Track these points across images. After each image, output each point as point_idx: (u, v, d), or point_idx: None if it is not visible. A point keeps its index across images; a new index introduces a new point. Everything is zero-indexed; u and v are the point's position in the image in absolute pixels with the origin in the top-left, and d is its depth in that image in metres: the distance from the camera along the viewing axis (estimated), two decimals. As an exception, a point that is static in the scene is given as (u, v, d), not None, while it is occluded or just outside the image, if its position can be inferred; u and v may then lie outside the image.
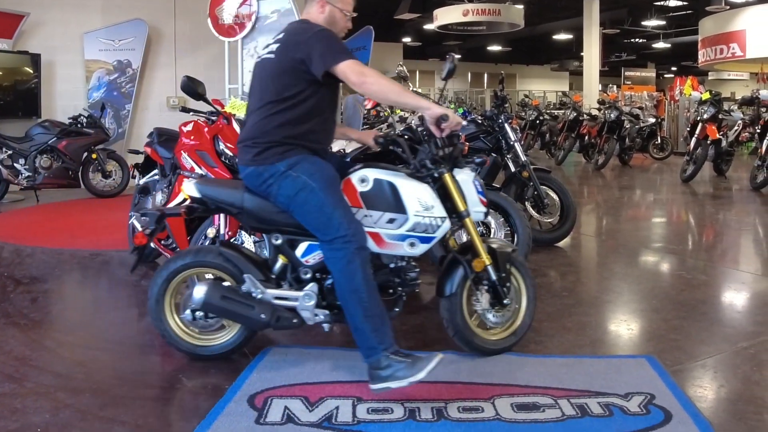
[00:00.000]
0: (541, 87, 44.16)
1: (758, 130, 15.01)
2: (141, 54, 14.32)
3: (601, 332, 5.16)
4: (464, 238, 4.75)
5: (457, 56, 4.11)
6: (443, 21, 26.35)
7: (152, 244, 6.31)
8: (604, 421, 3.66)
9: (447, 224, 4.24)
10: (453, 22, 26.07)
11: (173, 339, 4.51)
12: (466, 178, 4.37)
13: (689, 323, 5.25)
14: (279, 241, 4.29)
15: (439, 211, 4.22)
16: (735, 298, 6.06)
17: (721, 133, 14.64)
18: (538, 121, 21.63)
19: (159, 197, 6.27)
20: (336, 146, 8.07)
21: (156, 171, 6.79)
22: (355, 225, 4.04)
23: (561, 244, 7.99)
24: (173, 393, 4.16)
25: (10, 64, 13.42)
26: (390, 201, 4.17)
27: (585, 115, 19.29)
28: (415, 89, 6.97)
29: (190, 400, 4.04)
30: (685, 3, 28.85)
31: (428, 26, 29.54)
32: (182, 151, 5.73)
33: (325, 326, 4.36)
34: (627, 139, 18.34)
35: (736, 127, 15.22)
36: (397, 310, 4.37)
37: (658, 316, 5.35)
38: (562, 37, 34.87)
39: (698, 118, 14.75)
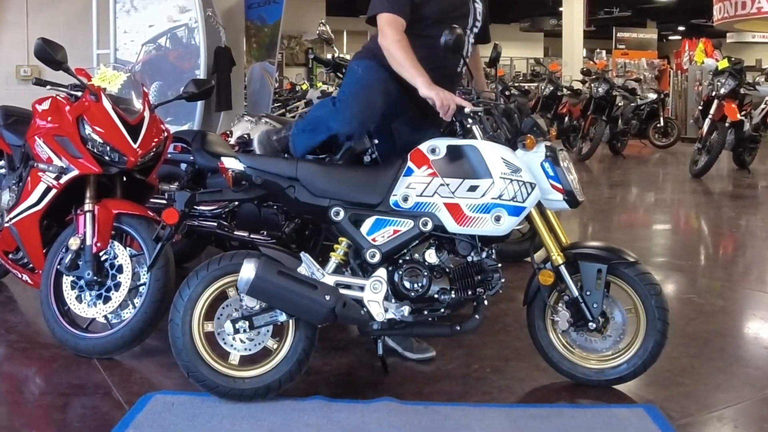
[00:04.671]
0: (508, 53, 44.13)
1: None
2: (-19, 9, 14.14)
3: (587, 374, 5.16)
4: None
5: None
6: (379, -35, 26.19)
7: None
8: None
9: (537, 192, 4.40)
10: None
11: (203, 376, 4.41)
12: (531, 157, 4.46)
13: (701, 362, 5.30)
14: (340, 217, 4.47)
15: (528, 175, 4.36)
16: (762, 329, 6.15)
17: (744, 112, 14.78)
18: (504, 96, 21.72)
19: (5, 197, 6.14)
20: (238, 131, 8.07)
21: (2, 163, 6.70)
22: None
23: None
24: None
25: None
26: (470, 165, 4.41)
27: (565, 90, 19.44)
28: (342, 55, 7.12)
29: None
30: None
31: (358, -27, 29.61)
32: (36, 137, 5.62)
33: (390, 341, 4.83)
34: (620, 121, 18.51)
35: (763, 105, 15.30)
36: (477, 317, 4.49)
37: (662, 353, 5.37)
38: (536, -14, 35.13)
39: (713, 94, 14.90)
